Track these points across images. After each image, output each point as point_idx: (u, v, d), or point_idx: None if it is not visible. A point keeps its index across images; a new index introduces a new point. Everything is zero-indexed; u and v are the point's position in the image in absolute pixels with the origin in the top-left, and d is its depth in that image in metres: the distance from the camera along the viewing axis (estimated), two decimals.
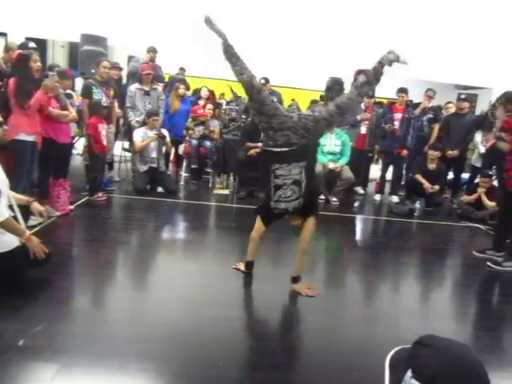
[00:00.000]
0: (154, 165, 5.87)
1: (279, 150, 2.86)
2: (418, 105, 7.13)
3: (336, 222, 5.45)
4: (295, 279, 3.17)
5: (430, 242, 5.11)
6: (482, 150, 6.55)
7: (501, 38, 9.09)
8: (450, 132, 6.60)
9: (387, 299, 3.49)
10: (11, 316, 2.47)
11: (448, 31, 9.03)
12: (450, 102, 7.46)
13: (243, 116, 7.40)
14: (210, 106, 6.88)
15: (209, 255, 4.02)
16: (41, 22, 8.51)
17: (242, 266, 3.39)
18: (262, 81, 6.92)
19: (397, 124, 6.45)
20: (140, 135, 5.83)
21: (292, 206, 2.97)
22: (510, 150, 4.14)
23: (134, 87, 6.12)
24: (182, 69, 8.97)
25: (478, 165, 6.61)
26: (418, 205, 6.29)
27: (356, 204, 6.68)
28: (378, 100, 8.68)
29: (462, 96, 6.87)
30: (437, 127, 6.89)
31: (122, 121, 6.43)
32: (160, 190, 5.89)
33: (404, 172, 7.10)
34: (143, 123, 5.97)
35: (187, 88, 7.52)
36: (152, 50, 6.71)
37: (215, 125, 6.77)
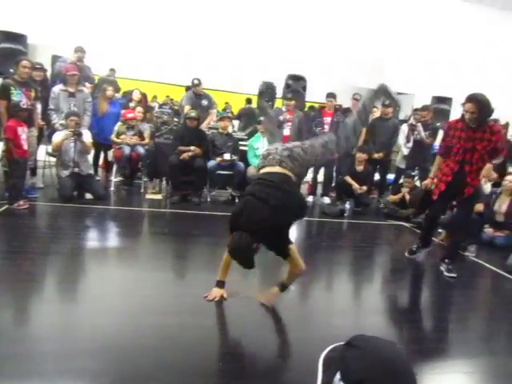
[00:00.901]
0: (77, 169, 5.56)
1: None
2: (347, 110, 7.40)
3: None
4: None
5: (360, 241, 5.34)
6: (406, 152, 6.95)
7: (421, 47, 9.74)
8: (376, 135, 6.94)
9: (320, 298, 3.58)
10: None
11: (374, 40, 9.52)
12: (374, 107, 7.83)
13: (175, 119, 7.28)
14: (139, 108, 6.69)
15: (142, 262, 3.88)
16: None
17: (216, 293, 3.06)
18: (195, 81, 6.85)
19: (326, 128, 6.67)
20: (60, 136, 5.50)
21: None
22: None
23: (57, 88, 5.80)
24: (112, 70, 8.66)
25: (403, 166, 7.00)
26: (348, 205, 6.54)
27: None
28: (309, 104, 8.94)
29: (386, 102, 7.22)
30: (363, 131, 7.20)
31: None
32: (89, 196, 5.61)
33: (334, 174, 7.36)
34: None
35: (116, 90, 7.27)
36: (80, 50, 6.43)
37: (145, 128, 6.59)
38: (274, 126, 3.88)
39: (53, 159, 6.21)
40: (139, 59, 9.69)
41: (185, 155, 5.90)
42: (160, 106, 9.27)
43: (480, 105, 3.69)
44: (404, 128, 6.98)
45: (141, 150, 6.27)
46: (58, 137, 5.50)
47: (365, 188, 6.46)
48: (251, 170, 6.04)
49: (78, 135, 5.46)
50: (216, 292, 3.04)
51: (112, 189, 6.30)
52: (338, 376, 0.96)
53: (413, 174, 6.49)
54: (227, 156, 6.05)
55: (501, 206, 5.45)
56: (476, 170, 3.88)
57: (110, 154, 6.59)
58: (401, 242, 5.55)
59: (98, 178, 6.73)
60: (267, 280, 3.42)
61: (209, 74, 8.14)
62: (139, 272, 3.57)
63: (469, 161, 3.87)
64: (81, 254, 3.90)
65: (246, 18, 8.79)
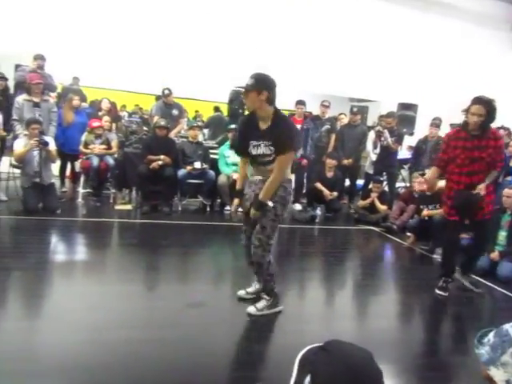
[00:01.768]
0: (38, 179, 5.32)
1: None
2: (317, 117, 7.48)
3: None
4: None
5: (330, 247, 5.39)
6: (374, 158, 7.07)
7: (387, 55, 9.99)
8: (345, 142, 7.04)
9: (293, 305, 3.57)
10: None
11: (343, 50, 9.72)
12: (342, 114, 7.98)
13: (145, 128, 7.19)
14: (106, 118, 6.59)
15: (110, 275, 3.80)
16: None
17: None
18: (166, 91, 6.79)
19: None
20: (22, 144, 5.29)
21: None
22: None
23: (21, 98, 5.63)
24: (75, 78, 8.51)
25: (371, 171, 7.11)
26: (318, 211, 6.59)
27: None
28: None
29: (355, 109, 7.36)
30: (333, 137, 7.30)
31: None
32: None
33: (305, 180, 7.41)
34: None
35: (82, 99, 7.13)
36: (40, 58, 6.24)
37: (113, 137, 6.48)
38: None
39: (17, 171, 6.01)
40: (107, 68, 9.57)
41: (154, 164, 5.83)
42: (129, 115, 9.15)
43: (489, 108, 3.40)
44: (371, 134, 7.12)
45: (110, 160, 6.14)
46: (19, 145, 5.29)
47: (335, 194, 6.53)
48: (222, 179, 6.02)
49: (43, 144, 5.24)
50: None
51: (80, 200, 6.16)
52: (308, 378, 0.96)
53: (381, 179, 6.60)
54: (197, 164, 6.01)
55: None
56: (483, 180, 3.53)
57: (77, 164, 6.44)
58: (370, 246, 5.64)
59: (65, 190, 6.59)
60: (238, 288, 3.39)
61: (178, 82, 8.11)
62: (107, 285, 3.49)
63: (477, 171, 3.52)
64: (46, 269, 3.77)
65: (215, 26, 8.80)
